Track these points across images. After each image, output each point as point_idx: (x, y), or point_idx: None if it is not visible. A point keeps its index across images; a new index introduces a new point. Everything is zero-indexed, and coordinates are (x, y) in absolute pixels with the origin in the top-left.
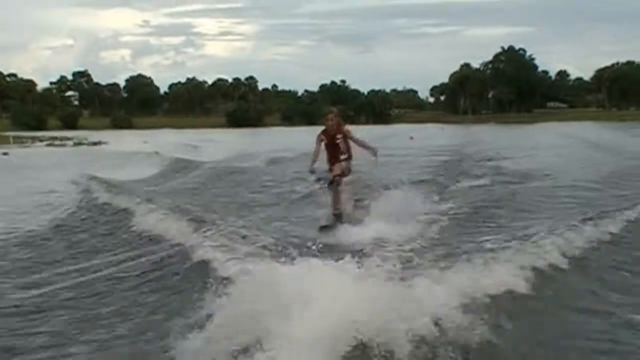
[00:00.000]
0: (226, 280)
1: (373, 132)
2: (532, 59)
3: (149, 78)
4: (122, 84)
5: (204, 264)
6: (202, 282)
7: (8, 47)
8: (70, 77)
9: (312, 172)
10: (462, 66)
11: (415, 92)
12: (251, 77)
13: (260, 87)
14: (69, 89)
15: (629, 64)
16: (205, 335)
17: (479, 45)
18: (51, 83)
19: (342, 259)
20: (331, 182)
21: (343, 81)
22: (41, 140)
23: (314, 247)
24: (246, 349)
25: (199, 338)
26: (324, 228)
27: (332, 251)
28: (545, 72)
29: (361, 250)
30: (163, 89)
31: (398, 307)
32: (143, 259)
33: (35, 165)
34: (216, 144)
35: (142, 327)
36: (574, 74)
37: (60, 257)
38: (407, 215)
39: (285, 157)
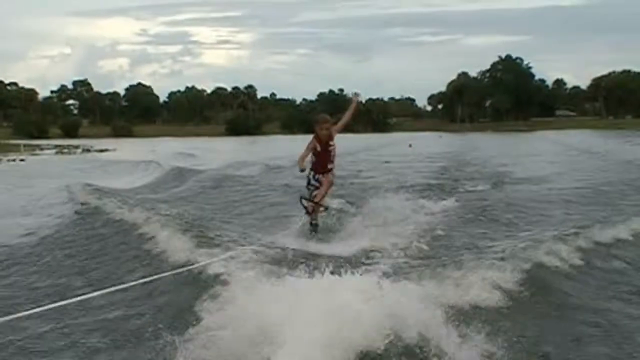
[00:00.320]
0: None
1: (372, 141)
2: (529, 68)
3: (149, 87)
4: (121, 92)
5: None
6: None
7: (5, 56)
8: (70, 86)
9: (303, 170)
10: (459, 75)
11: (412, 100)
12: (250, 86)
13: (259, 95)
14: (69, 97)
15: (625, 72)
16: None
17: (476, 54)
18: (52, 92)
19: (322, 271)
20: (310, 201)
21: (341, 90)
22: (50, 149)
23: (293, 258)
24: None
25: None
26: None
27: (310, 260)
28: (542, 81)
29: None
30: (162, 97)
31: (386, 316)
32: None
33: (56, 172)
34: (218, 153)
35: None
36: (570, 82)
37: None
38: (396, 224)
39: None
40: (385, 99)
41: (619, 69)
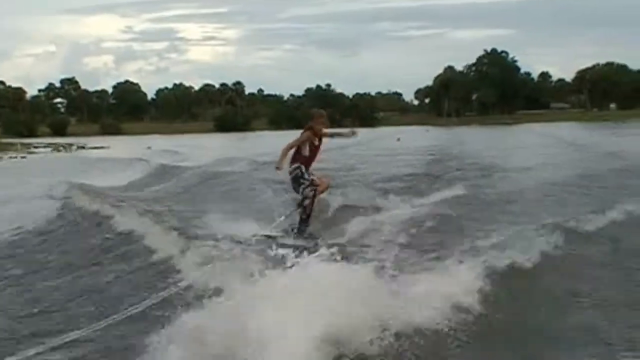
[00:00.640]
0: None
1: (360, 136)
2: (515, 62)
3: (137, 84)
4: (109, 90)
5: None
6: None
7: None
8: (57, 84)
9: (279, 169)
10: (446, 69)
11: (399, 94)
12: (238, 83)
13: (246, 91)
14: (57, 96)
15: (609, 65)
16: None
17: (462, 48)
18: (39, 90)
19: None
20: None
21: (328, 85)
22: (44, 147)
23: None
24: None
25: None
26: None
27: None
28: (528, 74)
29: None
30: (149, 94)
31: (379, 309)
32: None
33: (60, 168)
34: (209, 150)
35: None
36: (556, 75)
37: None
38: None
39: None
40: (373, 93)
41: (603, 61)
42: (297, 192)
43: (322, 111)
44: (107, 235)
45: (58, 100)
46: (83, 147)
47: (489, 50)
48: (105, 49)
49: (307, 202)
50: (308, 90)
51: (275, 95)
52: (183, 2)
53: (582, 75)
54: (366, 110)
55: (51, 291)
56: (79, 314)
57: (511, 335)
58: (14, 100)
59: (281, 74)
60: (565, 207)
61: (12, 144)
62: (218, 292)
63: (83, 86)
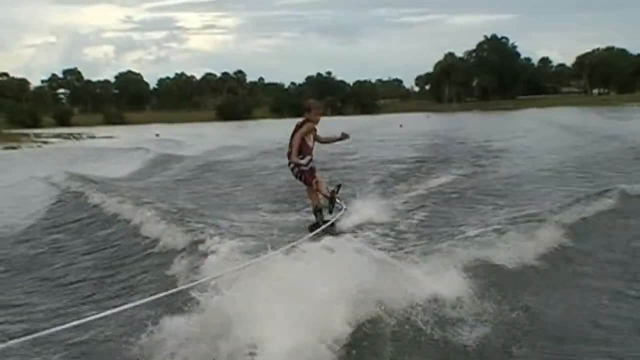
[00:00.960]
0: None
1: (362, 122)
2: (515, 47)
3: (139, 74)
4: (111, 79)
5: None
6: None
7: None
8: (60, 75)
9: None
10: (446, 55)
11: (400, 81)
12: (240, 71)
13: (247, 80)
14: (60, 86)
15: (609, 49)
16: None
17: (462, 34)
18: (43, 81)
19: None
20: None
21: (329, 72)
22: (55, 137)
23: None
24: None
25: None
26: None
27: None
28: (528, 60)
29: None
30: (151, 84)
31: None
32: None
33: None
34: (213, 137)
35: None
36: (556, 60)
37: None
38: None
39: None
40: (373, 80)
41: (603, 45)
42: (308, 184)
43: (317, 102)
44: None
45: (61, 90)
46: (93, 137)
47: (489, 36)
48: (105, 39)
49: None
50: (309, 78)
51: (276, 84)
52: None
53: (581, 60)
54: (367, 98)
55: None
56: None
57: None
58: (18, 91)
59: (281, 61)
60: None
61: (25, 134)
62: None
63: (85, 76)
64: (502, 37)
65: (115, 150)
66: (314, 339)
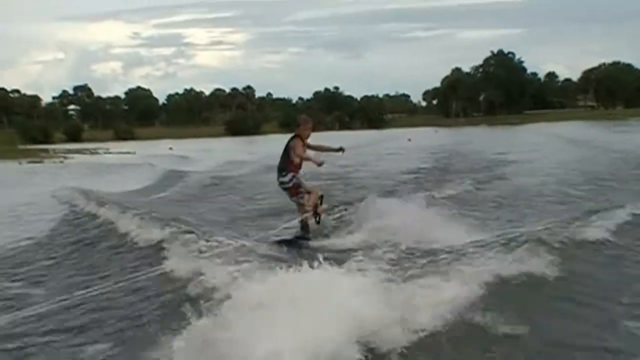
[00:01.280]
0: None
1: (371, 137)
2: (521, 62)
3: (148, 90)
4: (121, 95)
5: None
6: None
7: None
8: (71, 91)
9: (322, 163)
10: (453, 70)
11: (407, 96)
12: (249, 87)
13: (256, 95)
14: (71, 103)
15: (615, 64)
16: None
17: (469, 48)
18: (53, 98)
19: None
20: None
21: (336, 87)
22: (73, 152)
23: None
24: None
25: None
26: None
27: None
28: (535, 74)
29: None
30: (160, 100)
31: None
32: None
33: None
34: (221, 152)
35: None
36: (562, 74)
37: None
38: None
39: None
40: (380, 95)
41: (609, 60)
42: (293, 200)
43: (308, 118)
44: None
45: (71, 107)
46: (110, 152)
47: (495, 51)
48: (113, 55)
49: (307, 214)
50: (316, 93)
51: (284, 99)
52: (190, 8)
53: (587, 75)
54: (374, 112)
55: None
56: None
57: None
58: (30, 107)
59: (288, 77)
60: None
61: (44, 150)
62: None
63: (94, 92)
64: (509, 52)
65: (134, 165)
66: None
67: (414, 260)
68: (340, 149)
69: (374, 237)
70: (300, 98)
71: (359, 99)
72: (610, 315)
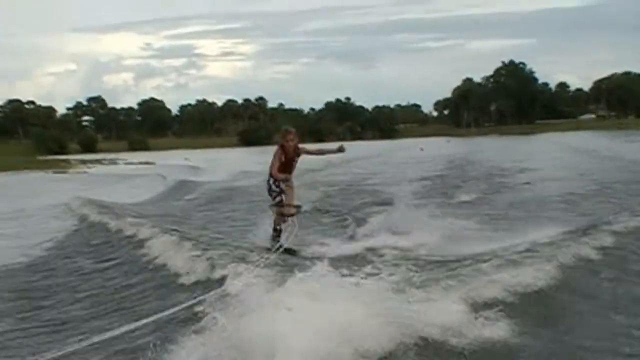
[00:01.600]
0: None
1: (383, 147)
2: (532, 73)
3: (161, 101)
4: (134, 107)
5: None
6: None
7: (11, 73)
8: (84, 103)
9: (286, 180)
10: (464, 80)
11: (418, 106)
12: (261, 98)
13: (267, 106)
14: (85, 114)
15: (626, 74)
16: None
17: (480, 58)
18: (68, 109)
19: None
20: (279, 204)
21: (348, 98)
22: (92, 162)
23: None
24: None
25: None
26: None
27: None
28: (546, 84)
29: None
30: (172, 111)
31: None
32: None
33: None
34: (235, 163)
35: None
36: (574, 84)
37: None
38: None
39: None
40: (391, 105)
41: (621, 70)
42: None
43: (288, 128)
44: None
45: (85, 118)
46: (130, 163)
47: (506, 61)
48: (124, 66)
49: (274, 216)
50: (328, 103)
51: (295, 109)
52: (200, 19)
53: (599, 85)
54: (386, 123)
55: None
56: None
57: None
58: (45, 118)
59: (299, 87)
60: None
61: (64, 160)
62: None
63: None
64: (520, 63)
65: (153, 175)
66: None
67: (425, 269)
68: (340, 149)
69: (387, 245)
70: (312, 109)
71: (370, 109)
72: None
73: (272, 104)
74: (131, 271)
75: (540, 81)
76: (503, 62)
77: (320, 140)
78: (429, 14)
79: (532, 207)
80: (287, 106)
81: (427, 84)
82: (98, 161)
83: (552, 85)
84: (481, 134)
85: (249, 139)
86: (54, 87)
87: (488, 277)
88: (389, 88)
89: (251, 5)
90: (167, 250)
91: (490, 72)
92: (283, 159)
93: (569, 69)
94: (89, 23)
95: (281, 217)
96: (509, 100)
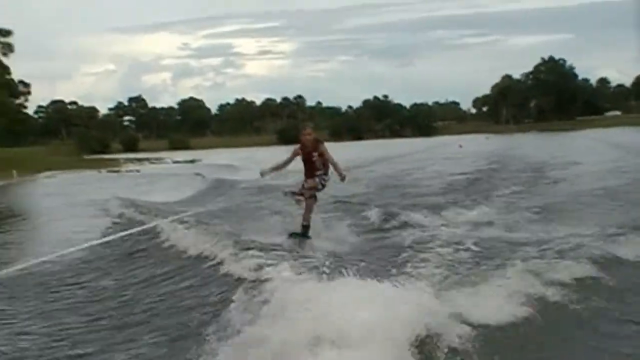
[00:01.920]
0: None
1: (423, 144)
2: (572, 69)
3: (200, 100)
4: (174, 106)
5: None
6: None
7: (52, 74)
8: (125, 103)
9: (262, 174)
10: (503, 77)
11: (457, 103)
12: (299, 96)
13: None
14: (126, 114)
15: None
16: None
17: (519, 54)
18: (109, 109)
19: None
20: (294, 193)
21: (385, 96)
22: (140, 160)
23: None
24: None
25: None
26: (292, 235)
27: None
28: (586, 80)
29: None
30: (211, 110)
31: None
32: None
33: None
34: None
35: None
36: (615, 80)
37: None
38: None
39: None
40: (430, 102)
41: None
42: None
43: (306, 124)
44: None
45: (126, 117)
46: (178, 162)
47: (546, 58)
48: (162, 66)
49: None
50: (366, 101)
51: (333, 107)
52: (238, 18)
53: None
54: (424, 120)
55: None
56: None
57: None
58: (88, 118)
59: (337, 85)
60: None
61: (114, 160)
62: None
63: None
64: (560, 59)
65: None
66: None
67: (462, 266)
68: (342, 179)
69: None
70: (350, 106)
71: (408, 106)
72: None
73: (310, 102)
74: None
75: (581, 77)
76: (542, 59)
77: (359, 138)
78: (467, 10)
79: (571, 209)
80: (324, 104)
81: (466, 80)
82: (146, 159)
83: (593, 81)
84: (520, 131)
85: (287, 137)
86: (94, 87)
87: None
88: (427, 85)
89: (289, 3)
90: None
91: (529, 69)
92: (302, 155)
93: (610, 64)
94: (128, 23)
95: (308, 213)
96: (548, 97)
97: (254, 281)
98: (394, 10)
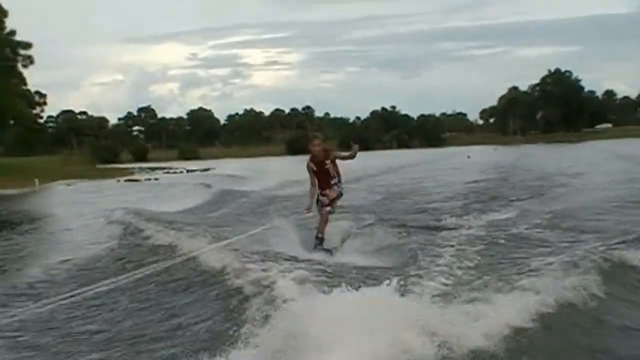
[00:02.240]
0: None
1: (431, 154)
2: (579, 81)
3: (209, 110)
4: (182, 116)
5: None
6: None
7: (60, 84)
8: (135, 113)
9: (308, 209)
10: (510, 89)
11: (464, 115)
12: (308, 107)
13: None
14: (135, 124)
15: None
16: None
17: (526, 66)
18: (119, 119)
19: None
20: (324, 205)
21: (393, 107)
22: (153, 170)
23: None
24: None
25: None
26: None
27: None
28: (592, 92)
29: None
30: (220, 120)
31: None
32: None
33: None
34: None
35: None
36: (621, 92)
37: None
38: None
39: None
40: (437, 114)
41: None
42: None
43: (315, 134)
44: None
45: (136, 127)
46: (193, 170)
47: (552, 69)
48: (170, 76)
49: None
50: (373, 112)
51: (341, 118)
52: (246, 28)
53: None
54: (432, 131)
55: None
56: None
57: None
58: (98, 128)
59: (344, 96)
60: None
61: (129, 169)
62: None
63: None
64: (566, 71)
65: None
66: None
67: (474, 277)
68: (354, 155)
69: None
70: (358, 117)
71: (415, 117)
72: None
73: (317, 113)
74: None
75: (587, 89)
76: (549, 70)
77: (367, 149)
78: (474, 22)
79: (580, 219)
80: (332, 115)
81: (473, 92)
82: (159, 169)
83: (599, 92)
84: (527, 142)
85: (296, 148)
86: (102, 97)
87: None
88: (434, 96)
89: (296, 14)
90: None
91: (536, 80)
92: (315, 168)
93: (616, 76)
94: (136, 34)
95: (324, 224)
96: (555, 109)
97: None
98: (401, 22)
